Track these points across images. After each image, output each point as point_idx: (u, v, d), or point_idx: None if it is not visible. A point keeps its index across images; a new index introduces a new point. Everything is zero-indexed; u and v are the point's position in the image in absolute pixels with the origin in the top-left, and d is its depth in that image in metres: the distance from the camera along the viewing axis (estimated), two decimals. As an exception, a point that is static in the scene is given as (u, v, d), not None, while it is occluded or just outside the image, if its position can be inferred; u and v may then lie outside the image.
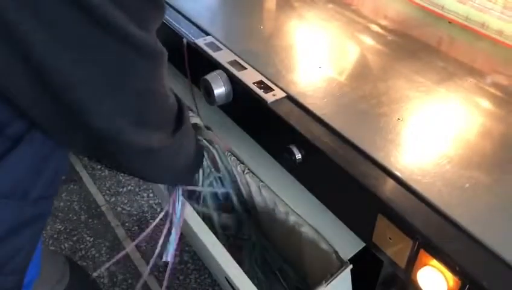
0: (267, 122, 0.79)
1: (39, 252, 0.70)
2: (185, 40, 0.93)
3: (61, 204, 1.81)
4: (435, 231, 0.57)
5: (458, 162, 0.66)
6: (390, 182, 0.63)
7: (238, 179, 0.92)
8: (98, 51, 0.46)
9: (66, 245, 1.66)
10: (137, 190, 1.88)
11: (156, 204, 1.80)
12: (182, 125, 0.65)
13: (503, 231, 0.58)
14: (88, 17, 0.43)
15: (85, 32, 0.44)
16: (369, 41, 0.95)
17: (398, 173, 0.64)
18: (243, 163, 0.91)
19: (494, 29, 0.93)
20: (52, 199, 0.61)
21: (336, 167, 0.66)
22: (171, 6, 1.03)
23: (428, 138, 0.71)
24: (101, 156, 0.63)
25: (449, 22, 0.99)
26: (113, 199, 1.84)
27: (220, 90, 0.83)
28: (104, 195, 1.86)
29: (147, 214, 1.78)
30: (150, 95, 0.56)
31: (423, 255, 0.57)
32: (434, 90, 0.81)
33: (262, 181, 0.88)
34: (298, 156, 0.73)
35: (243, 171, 0.90)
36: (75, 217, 1.77)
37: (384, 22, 1.01)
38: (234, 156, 0.93)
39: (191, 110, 1.01)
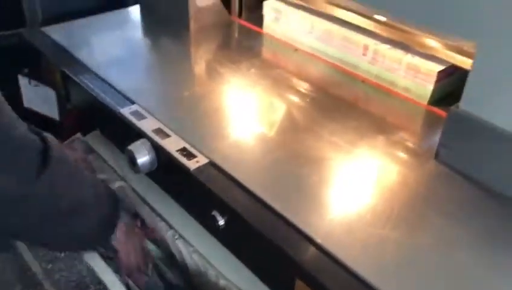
0: (192, 189, 0.81)
1: None
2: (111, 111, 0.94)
3: (-7, 276, 1.72)
4: (347, 291, 0.60)
5: (370, 219, 0.70)
6: (308, 247, 0.66)
7: (170, 244, 0.92)
8: None
9: (-2, 322, 1.56)
10: (75, 254, 1.81)
11: (95, 268, 1.74)
12: (47, 167, 0.58)
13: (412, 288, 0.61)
14: None
15: None
16: (290, 103, 1.00)
17: (315, 237, 0.66)
18: (173, 228, 0.91)
19: (402, 87, 1.01)
20: None
21: (255, 232, 0.68)
22: (97, 75, 1.05)
23: (342, 198, 0.75)
24: None
25: (362, 81, 1.07)
26: (50, 266, 1.76)
27: (143, 159, 0.84)
28: (40, 262, 1.78)
29: (86, 279, 1.71)
30: None
31: (338, 316, 0.60)
32: (347, 150, 0.85)
33: (192, 246, 0.88)
34: (221, 222, 0.75)
35: (174, 237, 0.90)
36: (8, 290, 1.67)
37: (304, 84, 1.07)
38: (164, 221, 0.93)
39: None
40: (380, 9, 0.88)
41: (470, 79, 0.76)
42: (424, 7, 0.79)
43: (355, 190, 0.77)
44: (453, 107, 0.79)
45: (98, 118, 1.05)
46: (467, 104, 0.77)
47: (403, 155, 0.86)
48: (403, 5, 0.83)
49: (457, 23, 0.76)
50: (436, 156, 0.83)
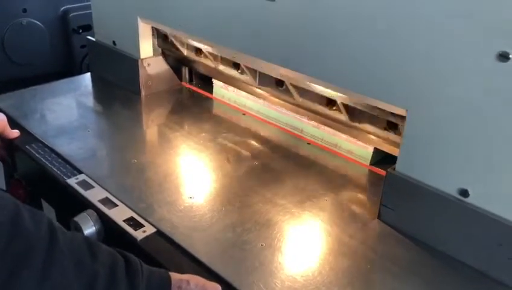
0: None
1: None
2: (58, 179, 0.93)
3: None
4: None
5: (319, 282, 0.71)
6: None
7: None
8: None
9: None
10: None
11: None
12: None
13: None
14: None
15: None
16: (239, 166, 1.02)
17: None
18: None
19: (345, 149, 1.06)
20: None
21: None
22: (44, 145, 1.04)
23: (290, 263, 0.76)
24: None
25: (308, 143, 1.11)
26: None
27: (89, 230, 0.83)
28: None
29: None
30: None
31: None
32: (294, 212, 0.88)
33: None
34: (169, 293, 0.73)
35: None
36: None
37: (252, 146, 1.10)
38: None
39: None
40: (319, 79, 0.94)
41: (403, 143, 0.81)
42: (360, 77, 0.85)
43: (302, 253, 0.79)
44: (389, 169, 0.83)
45: (45, 188, 1.03)
46: (402, 166, 0.82)
47: (348, 215, 0.88)
48: (342, 76, 0.88)
49: (389, 91, 0.81)
50: (379, 215, 0.87)
